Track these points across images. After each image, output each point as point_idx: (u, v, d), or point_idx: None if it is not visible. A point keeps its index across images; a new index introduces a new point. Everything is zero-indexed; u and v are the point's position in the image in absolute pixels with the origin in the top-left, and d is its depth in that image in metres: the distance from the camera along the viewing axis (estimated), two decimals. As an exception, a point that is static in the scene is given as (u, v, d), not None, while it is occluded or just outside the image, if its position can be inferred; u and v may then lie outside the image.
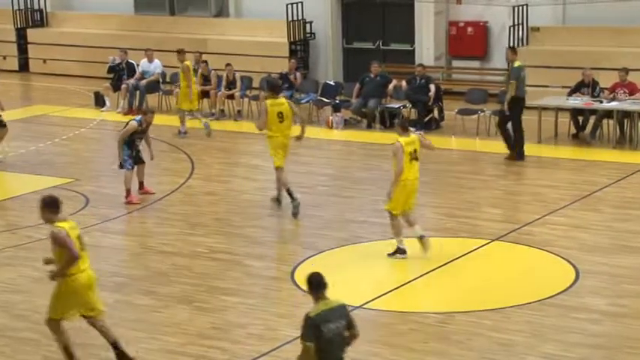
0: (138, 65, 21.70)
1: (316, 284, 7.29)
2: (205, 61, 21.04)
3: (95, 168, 17.28)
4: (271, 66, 22.42)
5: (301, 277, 11.33)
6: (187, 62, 19.35)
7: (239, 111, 20.92)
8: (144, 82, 21.31)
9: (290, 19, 23.34)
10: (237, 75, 21.03)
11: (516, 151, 16.74)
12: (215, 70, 21.04)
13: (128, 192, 14.54)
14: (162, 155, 17.67)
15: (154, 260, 12.17)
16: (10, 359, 9.32)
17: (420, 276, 11.39)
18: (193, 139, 18.91)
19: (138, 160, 14.70)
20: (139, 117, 14.73)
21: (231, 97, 21.00)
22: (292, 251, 12.42)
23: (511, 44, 20.13)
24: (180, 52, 19.41)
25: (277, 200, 13.99)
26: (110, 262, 12.13)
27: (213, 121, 20.29)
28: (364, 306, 10.37)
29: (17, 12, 26.97)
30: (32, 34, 27.04)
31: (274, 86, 14.23)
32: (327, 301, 7.28)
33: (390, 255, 11.90)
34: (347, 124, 19.73)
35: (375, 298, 10.66)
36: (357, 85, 19.92)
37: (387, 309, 10.44)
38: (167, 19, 25.76)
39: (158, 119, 20.55)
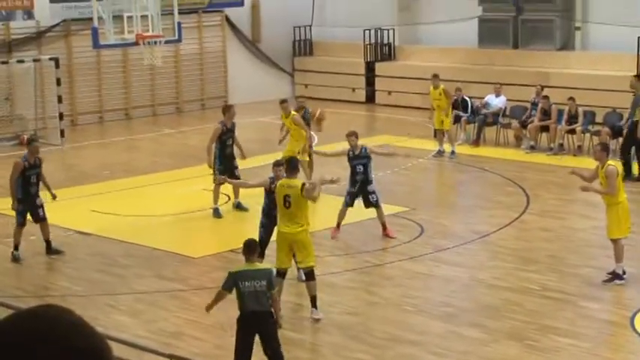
0: (473, 99, 21.93)
1: (248, 248, 9.16)
2: (546, 96, 20.79)
3: (431, 198, 17.59)
4: (616, 101, 21.59)
5: None
6: (443, 87, 20.20)
7: (579, 146, 20.36)
8: (484, 111, 21.53)
9: (640, 52, 22.42)
10: (580, 109, 20.51)
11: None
12: (556, 104, 20.70)
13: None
14: (497, 188, 17.63)
15: (484, 293, 12.14)
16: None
17: None
18: (529, 173, 18.69)
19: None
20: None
21: (572, 131, 20.51)
22: (632, 296, 11.82)
23: None
24: (435, 77, 20.42)
25: None
26: (441, 292, 12.28)
27: (550, 155, 20.01)
28: None
29: (368, 46, 28.27)
30: (380, 67, 28.20)
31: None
32: (254, 264, 9.14)
33: (605, 282, 12.01)
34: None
35: None
36: None
37: None
38: (510, 53, 25.72)
39: (494, 152, 20.64)
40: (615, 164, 12.24)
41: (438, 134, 20.57)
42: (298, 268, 11.70)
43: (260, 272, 9.07)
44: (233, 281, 9.06)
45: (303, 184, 11.18)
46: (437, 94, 20.38)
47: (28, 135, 23.17)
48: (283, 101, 17.78)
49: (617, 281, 11.98)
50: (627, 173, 17.42)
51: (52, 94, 23.70)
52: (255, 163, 17.54)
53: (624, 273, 12.09)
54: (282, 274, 11.20)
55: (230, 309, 11.84)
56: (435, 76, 20.58)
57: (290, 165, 11.48)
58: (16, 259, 13.85)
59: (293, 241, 11.09)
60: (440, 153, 20.42)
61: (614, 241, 12.07)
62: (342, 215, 14.51)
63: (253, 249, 9.25)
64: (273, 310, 9.21)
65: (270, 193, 12.06)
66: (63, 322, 1.73)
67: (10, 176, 13.88)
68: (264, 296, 8.99)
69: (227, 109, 16.27)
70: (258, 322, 9.05)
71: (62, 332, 1.72)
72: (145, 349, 9.08)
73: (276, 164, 12.22)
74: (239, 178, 15.51)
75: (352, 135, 14.68)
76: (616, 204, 12.03)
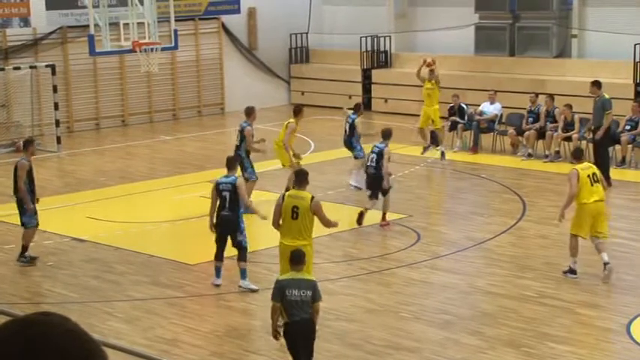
0: (469, 106, 21.98)
1: (294, 259, 9.13)
2: (551, 96, 20.89)
3: (427, 205, 17.59)
4: (614, 108, 21.60)
5: (638, 331, 10.76)
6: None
7: (576, 153, 20.38)
8: (477, 118, 21.59)
9: (638, 59, 22.43)
10: (576, 117, 20.55)
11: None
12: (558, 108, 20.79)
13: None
14: (493, 195, 17.63)
15: (481, 300, 12.13)
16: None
17: None
18: (526, 180, 18.69)
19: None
20: None
21: (568, 139, 20.54)
22: (628, 303, 11.82)
23: None
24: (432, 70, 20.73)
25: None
26: (438, 300, 12.27)
27: (547, 162, 20.04)
28: None
29: (364, 53, 28.30)
30: (376, 74, 28.21)
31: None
32: (299, 274, 9.06)
33: (564, 272, 12.63)
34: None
35: None
36: None
37: None
38: (506, 60, 25.75)
39: (490, 160, 20.66)
40: (577, 168, 12.66)
41: (421, 132, 20.74)
42: None
43: (306, 282, 9.04)
44: (280, 290, 8.97)
45: (312, 198, 11.03)
46: (430, 84, 20.60)
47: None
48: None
49: (570, 275, 12.57)
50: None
51: (48, 101, 23.68)
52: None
53: (572, 271, 12.61)
54: None
55: (228, 316, 11.82)
56: (432, 70, 20.75)
57: (299, 177, 11.34)
58: (27, 262, 13.78)
59: None
60: (427, 149, 20.51)
61: (571, 236, 12.62)
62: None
63: (301, 259, 9.18)
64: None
65: None
66: (59, 329, 1.72)
67: (19, 178, 13.60)
68: (308, 306, 8.96)
69: (252, 111, 16.26)
70: (303, 329, 9.03)
71: (59, 339, 1.71)
72: (142, 356, 9.06)
73: None
74: (249, 179, 15.99)
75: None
76: (578, 204, 12.55)
